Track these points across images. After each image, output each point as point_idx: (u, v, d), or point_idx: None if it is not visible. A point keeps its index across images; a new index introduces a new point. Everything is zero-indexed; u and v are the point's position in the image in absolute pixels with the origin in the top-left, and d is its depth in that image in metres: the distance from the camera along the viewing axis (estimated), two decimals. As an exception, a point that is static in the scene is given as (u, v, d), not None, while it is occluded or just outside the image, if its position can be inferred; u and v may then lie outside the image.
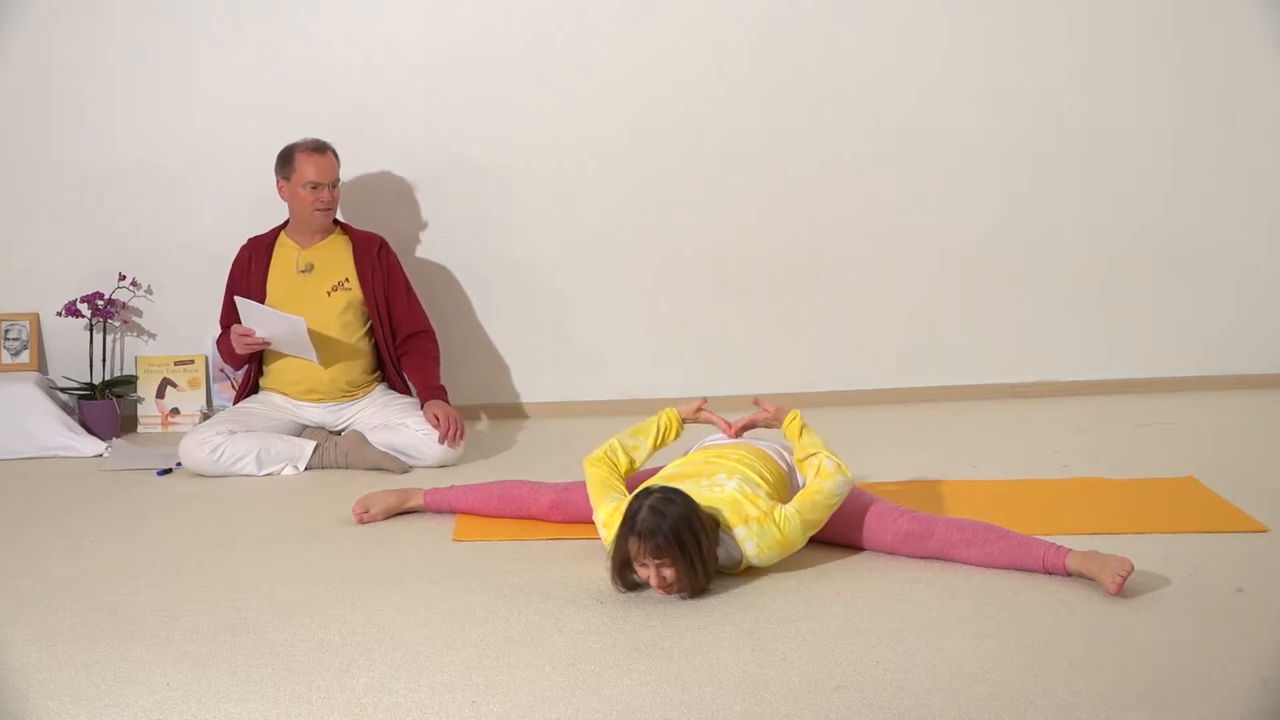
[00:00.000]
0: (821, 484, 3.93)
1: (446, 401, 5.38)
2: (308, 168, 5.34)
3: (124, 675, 3.34)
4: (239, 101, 5.87)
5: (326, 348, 5.33)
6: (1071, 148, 6.07)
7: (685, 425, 4.34)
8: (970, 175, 6.07)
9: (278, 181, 5.41)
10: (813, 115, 5.99)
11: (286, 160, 5.39)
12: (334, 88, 5.85)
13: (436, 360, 5.54)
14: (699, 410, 4.33)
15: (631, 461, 4.20)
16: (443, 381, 5.49)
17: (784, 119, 5.99)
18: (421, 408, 5.33)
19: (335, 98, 5.84)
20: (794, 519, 3.82)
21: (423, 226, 5.98)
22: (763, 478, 3.96)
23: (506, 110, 5.93)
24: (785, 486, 4.07)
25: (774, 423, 4.25)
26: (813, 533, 3.91)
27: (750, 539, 3.79)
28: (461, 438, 5.26)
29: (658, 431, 4.26)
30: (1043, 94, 6.03)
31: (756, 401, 4.31)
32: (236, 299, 5.29)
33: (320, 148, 5.38)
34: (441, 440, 5.20)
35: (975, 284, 6.15)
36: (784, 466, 4.13)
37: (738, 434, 4.28)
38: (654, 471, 4.21)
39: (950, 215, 6.09)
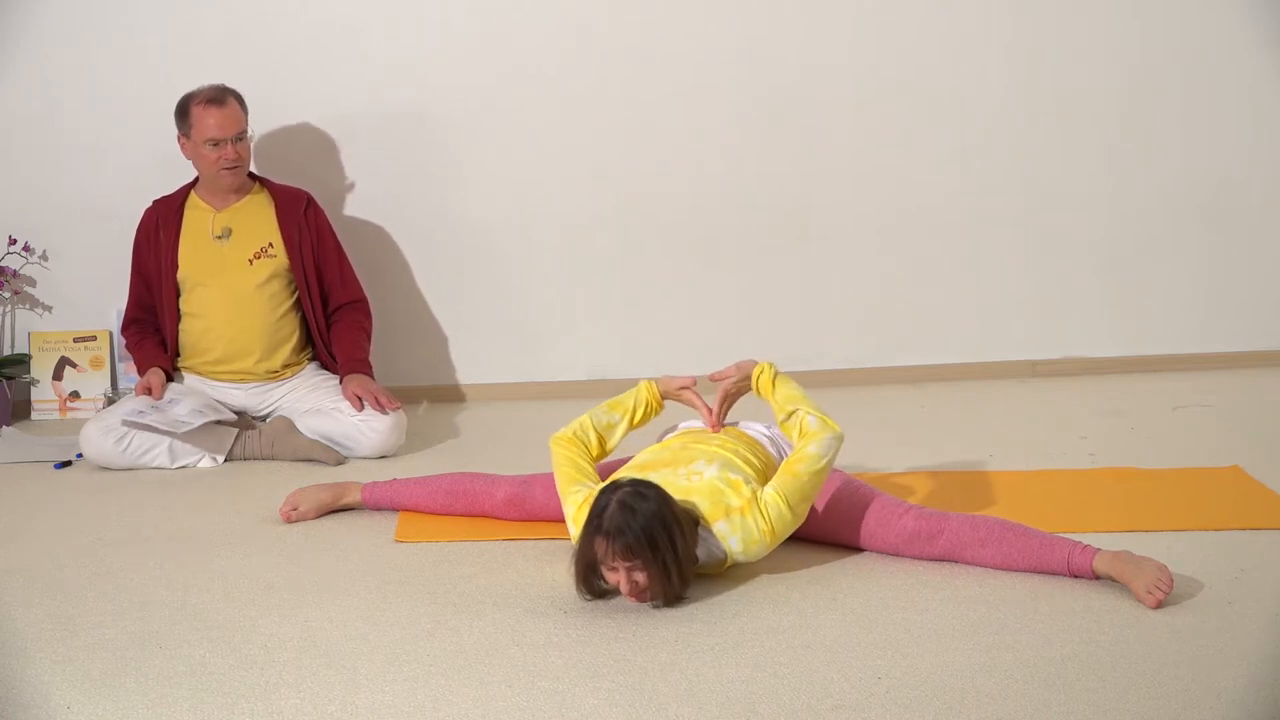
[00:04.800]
0: (804, 449, 3.91)
1: (370, 376, 5.37)
2: (206, 122, 5.29)
3: (17, 699, 3.33)
4: (147, 44, 5.82)
5: (250, 333, 5.34)
6: (1095, 91, 6.07)
7: (666, 402, 4.30)
8: (980, 123, 6.07)
9: (179, 138, 5.38)
10: (801, 53, 5.97)
11: (183, 114, 5.34)
12: (252, 25, 5.81)
13: (367, 334, 5.54)
14: (682, 389, 4.25)
15: (603, 441, 4.18)
16: (372, 360, 5.49)
17: (767, 55, 5.96)
18: (340, 383, 5.33)
19: (253, 36, 5.80)
20: (778, 503, 3.82)
21: (355, 181, 5.94)
22: (748, 462, 3.96)
23: (450, 47, 5.89)
24: (773, 474, 4.06)
25: (745, 384, 4.20)
26: (805, 509, 3.90)
27: (733, 534, 3.80)
28: (396, 406, 5.25)
29: (635, 407, 4.24)
30: (1064, 31, 6.03)
31: (714, 378, 4.26)
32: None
33: (218, 98, 5.31)
34: (375, 407, 5.19)
35: (988, 247, 6.16)
36: (775, 455, 4.14)
37: (719, 422, 4.22)
38: (625, 461, 4.21)
39: (959, 168, 6.09)
